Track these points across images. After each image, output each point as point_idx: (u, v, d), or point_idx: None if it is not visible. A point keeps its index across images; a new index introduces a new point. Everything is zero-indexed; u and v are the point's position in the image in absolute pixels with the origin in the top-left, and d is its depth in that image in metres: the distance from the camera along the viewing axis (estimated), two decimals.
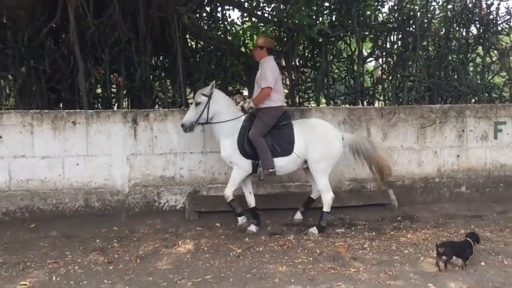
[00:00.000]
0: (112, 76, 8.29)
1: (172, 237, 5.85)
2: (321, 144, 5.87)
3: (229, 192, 5.92)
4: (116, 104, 8.14)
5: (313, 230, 5.88)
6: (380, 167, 6.08)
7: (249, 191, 6.13)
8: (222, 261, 4.98)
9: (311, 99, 8.81)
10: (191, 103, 6.24)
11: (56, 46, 7.74)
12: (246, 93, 9.56)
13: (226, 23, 8.82)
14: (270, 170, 5.80)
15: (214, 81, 6.12)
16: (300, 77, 8.76)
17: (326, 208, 5.94)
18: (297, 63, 8.48)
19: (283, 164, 5.88)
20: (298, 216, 6.29)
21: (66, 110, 6.67)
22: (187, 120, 5.81)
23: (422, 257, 4.99)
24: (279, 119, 5.93)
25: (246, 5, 8.55)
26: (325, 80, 8.32)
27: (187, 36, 9.00)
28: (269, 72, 5.84)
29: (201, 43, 8.69)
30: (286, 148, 5.86)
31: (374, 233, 5.85)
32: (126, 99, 8.65)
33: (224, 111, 5.86)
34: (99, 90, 8.50)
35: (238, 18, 9.63)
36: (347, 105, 8.44)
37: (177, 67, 8.13)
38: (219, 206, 6.52)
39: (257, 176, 5.97)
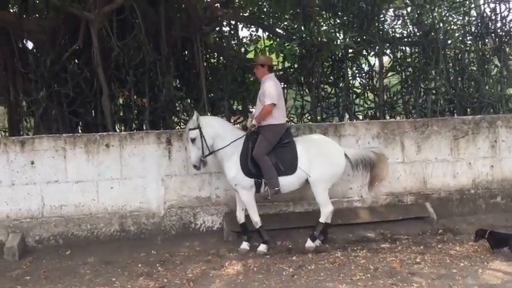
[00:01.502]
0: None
1: (215, 259, 5.71)
2: (324, 161, 5.81)
3: (256, 218, 5.86)
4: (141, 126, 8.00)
5: (309, 243, 5.79)
6: (376, 176, 6.07)
7: (241, 207, 6.01)
8: (277, 281, 4.87)
9: (334, 115, 8.78)
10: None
11: (78, 69, 7.65)
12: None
13: (249, 41, 8.80)
14: (276, 189, 5.71)
15: (195, 111, 6.02)
16: (320, 93, 8.73)
17: (323, 219, 5.86)
18: (320, 80, 8.45)
19: (287, 182, 5.79)
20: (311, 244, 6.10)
21: (99, 133, 6.54)
22: (195, 160, 5.72)
23: (480, 269, 4.94)
24: (282, 137, 5.85)
25: (266, 23, 8.52)
26: (349, 95, 8.33)
27: (209, 55, 8.96)
28: (272, 89, 5.77)
29: (223, 62, 8.64)
30: (290, 166, 5.77)
31: (422, 247, 5.77)
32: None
33: (220, 133, 5.78)
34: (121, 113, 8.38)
35: (252, 36, 9.69)
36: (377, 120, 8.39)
37: (200, 86, 8.10)
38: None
39: (263, 195, 5.88)
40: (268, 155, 5.72)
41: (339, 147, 6.06)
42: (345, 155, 5.96)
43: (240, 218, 6.03)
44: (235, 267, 5.35)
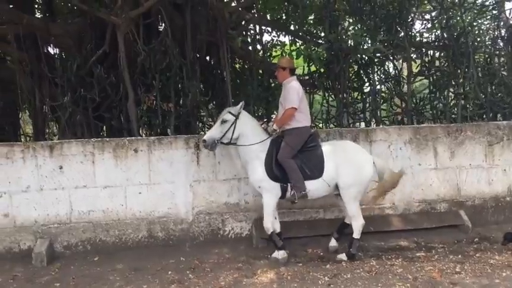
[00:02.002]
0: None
1: (246, 266, 5.59)
2: (352, 168, 5.63)
3: (268, 224, 5.65)
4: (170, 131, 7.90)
5: (342, 256, 5.63)
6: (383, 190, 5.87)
7: (274, 216, 5.81)
8: None
9: (361, 120, 8.64)
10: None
11: (104, 74, 7.61)
12: None
13: (271, 46, 8.72)
14: (303, 193, 5.54)
15: (243, 101, 5.86)
16: (348, 98, 8.60)
17: (356, 235, 5.66)
18: (347, 85, 8.32)
19: (313, 188, 5.61)
20: (333, 243, 5.97)
21: (127, 138, 6.47)
22: (210, 137, 5.55)
23: None
24: (307, 141, 5.71)
25: (292, 28, 8.42)
26: (376, 100, 8.19)
27: (234, 59, 8.89)
28: (293, 92, 5.64)
29: (248, 66, 8.56)
30: (316, 171, 5.60)
31: (459, 256, 5.59)
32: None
33: (249, 133, 5.66)
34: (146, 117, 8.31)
35: (274, 40, 9.59)
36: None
37: (225, 91, 8.01)
38: (287, 233, 6.28)
39: (290, 199, 5.68)
40: (293, 159, 5.58)
41: (367, 155, 5.89)
42: (374, 163, 5.79)
43: (276, 228, 5.81)
44: (268, 275, 5.22)
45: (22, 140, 9.30)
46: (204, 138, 5.59)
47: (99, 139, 6.38)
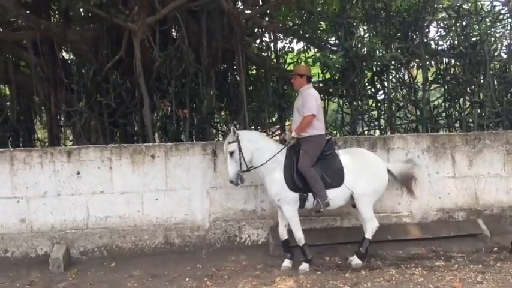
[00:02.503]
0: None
1: (264, 274, 5.56)
2: (368, 175, 5.66)
3: (300, 234, 5.64)
4: (184, 137, 7.89)
5: (355, 260, 5.64)
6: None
7: (284, 224, 5.81)
8: None
9: (376, 127, 8.61)
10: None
11: (120, 79, 7.63)
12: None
13: (290, 53, 8.72)
14: (326, 201, 5.49)
15: (233, 124, 5.87)
16: (363, 105, 8.57)
17: (368, 235, 5.69)
18: (361, 92, 8.30)
19: (334, 196, 5.58)
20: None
21: (145, 144, 6.47)
22: (233, 175, 5.48)
23: None
24: (324, 149, 5.67)
25: (307, 35, 8.42)
26: (391, 107, 8.16)
27: (249, 66, 8.90)
28: (312, 99, 5.62)
29: (263, 73, 8.56)
30: (337, 179, 5.59)
31: (480, 266, 5.53)
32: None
33: (260, 147, 5.61)
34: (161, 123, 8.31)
35: (286, 47, 9.58)
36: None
37: (240, 97, 8.01)
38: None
39: (315, 208, 5.62)
40: (313, 167, 5.55)
41: (382, 162, 5.91)
42: (388, 170, 5.85)
43: (283, 234, 5.83)
44: (288, 283, 5.19)
45: (37, 145, 9.32)
46: (230, 179, 5.53)
47: (117, 145, 6.38)
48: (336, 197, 5.60)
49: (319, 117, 5.73)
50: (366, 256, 5.73)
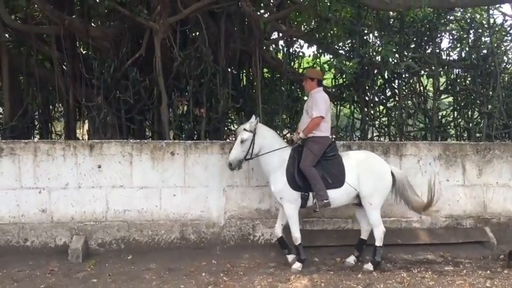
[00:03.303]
0: None
1: (278, 272, 5.72)
2: (373, 177, 5.77)
3: (297, 233, 5.80)
4: (196, 136, 8.06)
5: (369, 266, 5.75)
6: (417, 206, 5.98)
7: (281, 223, 6.00)
8: None
9: (386, 134, 8.78)
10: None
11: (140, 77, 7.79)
12: None
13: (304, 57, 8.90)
14: (325, 201, 5.63)
15: (257, 116, 6.00)
16: (376, 111, 8.73)
17: (378, 243, 5.80)
18: (373, 99, 8.47)
19: (335, 196, 5.72)
20: (351, 260, 6.03)
21: (165, 141, 6.63)
22: (234, 159, 5.65)
23: None
24: (327, 150, 5.83)
25: (324, 41, 8.59)
26: (402, 115, 8.34)
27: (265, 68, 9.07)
28: (322, 101, 5.81)
29: (278, 76, 8.73)
30: (338, 179, 5.72)
31: (488, 272, 5.70)
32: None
33: (270, 144, 5.79)
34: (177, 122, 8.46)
35: (297, 52, 9.73)
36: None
37: (255, 99, 8.17)
38: (316, 241, 6.45)
39: (312, 208, 5.83)
40: (315, 168, 5.70)
41: (385, 164, 5.99)
42: (392, 172, 5.89)
43: (278, 232, 6.02)
44: (302, 282, 5.35)
45: (53, 138, 9.47)
46: (229, 161, 5.68)
47: (138, 140, 6.54)
48: (337, 197, 5.74)
49: (327, 120, 5.91)
50: (380, 264, 5.84)
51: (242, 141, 5.68)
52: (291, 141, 5.98)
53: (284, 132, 9.19)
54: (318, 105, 5.77)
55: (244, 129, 5.74)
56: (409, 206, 6.04)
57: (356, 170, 5.77)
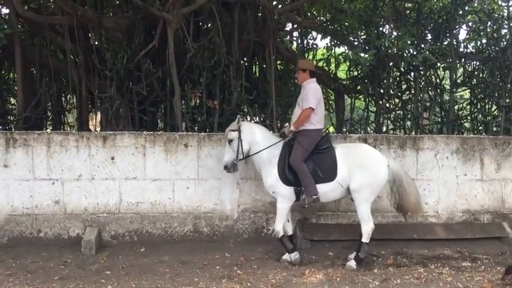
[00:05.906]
0: None
1: (293, 266, 5.64)
2: (365, 170, 5.54)
3: (279, 227, 5.72)
4: (209, 128, 7.98)
5: (352, 263, 5.54)
6: (408, 204, 5.72)
7: (287, 219, 5.89)
8: None
9: (401, 127, 8.66)
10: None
11: (153, 68, 7.72)
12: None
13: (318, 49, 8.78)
14: (314, 197, 5.54)
15: (239, 114, 5.97)
16: (391, 104, 8.61)
17: (365, 239, 5.59)
18: (389, 92, 8.34)
19: (326, 191, 5.60)
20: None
21: (178, 133, 6.57)
22: (227, 161, 5.68)
23: None
24: (319, 143, 5.71)
25: (339, 33, 8.46)
26: (418, 108, 8.21)
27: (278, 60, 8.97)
28: (311, 93, 5.68)
29: (292, 68, 8.62)
30: (329, 174, 5.58)
31: None
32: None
33: (259, 140, 5.73)
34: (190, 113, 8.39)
35: (310, 44, 9.61)
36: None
37: (269, 91, 8.08)
38: (331, 235, 6.38)
39: (301, 203, 5.77)
40: (305, 162, 5.59)
41: (381, 157, 5.73)
42: (388, 165, 5.64)
43: (287, 230, 5.91)
44: (317, 276, 5.28)
45: (66, 128, 9.47)
46: (224, 164, 5.72)
47: (151, 132, 6.49)
48: (330, 190, 5.62)
49: (318, 112, 5.75)
50: (363, 261, 5.62)
51: (230, 142, 5.71)
52: (283, 134, 5.89)
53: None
54: (308, 97, 5.66)
55: (229, 130, 5.74)
56: (395, 205, 5.80)
57: (348, 162, 5.59)
